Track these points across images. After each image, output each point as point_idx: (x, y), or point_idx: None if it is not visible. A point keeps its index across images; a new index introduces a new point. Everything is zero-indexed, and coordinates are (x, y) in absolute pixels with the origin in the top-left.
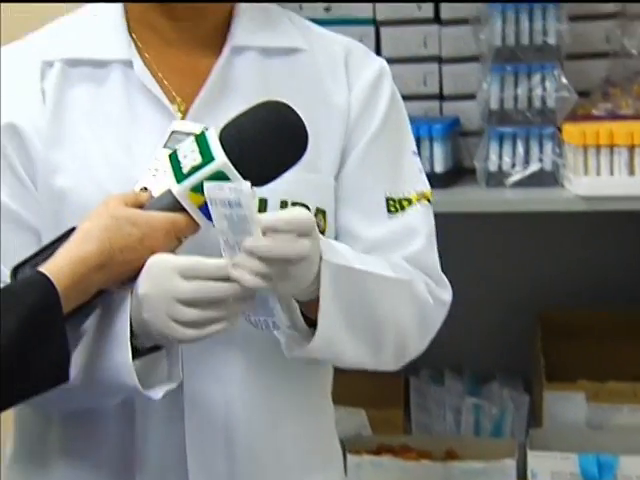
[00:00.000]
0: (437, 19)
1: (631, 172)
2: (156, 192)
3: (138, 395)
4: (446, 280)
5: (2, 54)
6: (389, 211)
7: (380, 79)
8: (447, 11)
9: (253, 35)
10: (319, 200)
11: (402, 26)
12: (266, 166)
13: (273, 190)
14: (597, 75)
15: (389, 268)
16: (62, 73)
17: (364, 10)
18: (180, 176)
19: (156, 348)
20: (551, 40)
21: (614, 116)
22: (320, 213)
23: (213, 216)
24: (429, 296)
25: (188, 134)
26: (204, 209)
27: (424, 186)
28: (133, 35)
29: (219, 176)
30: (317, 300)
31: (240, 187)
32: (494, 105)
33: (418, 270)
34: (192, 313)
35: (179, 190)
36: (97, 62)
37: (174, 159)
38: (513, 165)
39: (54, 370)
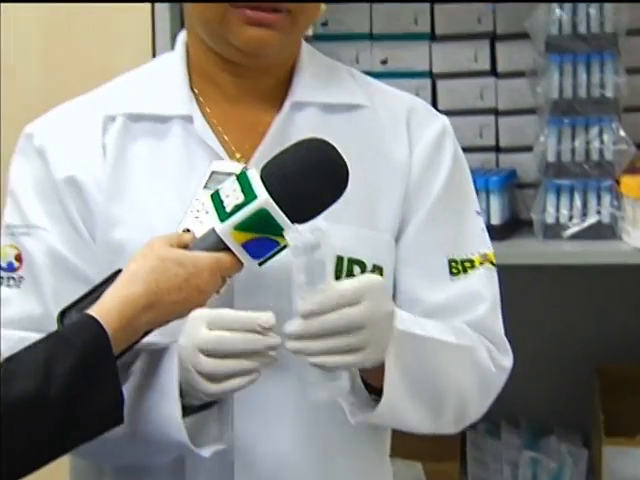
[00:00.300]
0: (494, 71)
1: None
2: (199, 233)
3: (187, 452)
4: (508, 346)
5: (69, 107)
6: (451, 273)
7: (442, 138)
8: (504, 63)
9: (314, 91)
10: (376, 257)
11: (458, 78)
12: (308, 203)
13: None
14: None
15: (451, 333)
16: (124, 127)
17: (420, 63)
18: (223, 215)
19: (207, 406)
20: (609, 93)
21: None
22: (377, 270)
23: (294, 265)
24: (491, 362)
25: (228, 174)
26: (248, 247)
27: (487, 248)
28: (195, 90)
29: (262, 214)
30: (378, 366)
31: (319, 228)
32: (551, 158)
33: (480, 335)
34: (210, 364)
35: (223, 229)
36: (158, 117)
37: (216, 199)
38: (570, 218)
39: (108, 413)
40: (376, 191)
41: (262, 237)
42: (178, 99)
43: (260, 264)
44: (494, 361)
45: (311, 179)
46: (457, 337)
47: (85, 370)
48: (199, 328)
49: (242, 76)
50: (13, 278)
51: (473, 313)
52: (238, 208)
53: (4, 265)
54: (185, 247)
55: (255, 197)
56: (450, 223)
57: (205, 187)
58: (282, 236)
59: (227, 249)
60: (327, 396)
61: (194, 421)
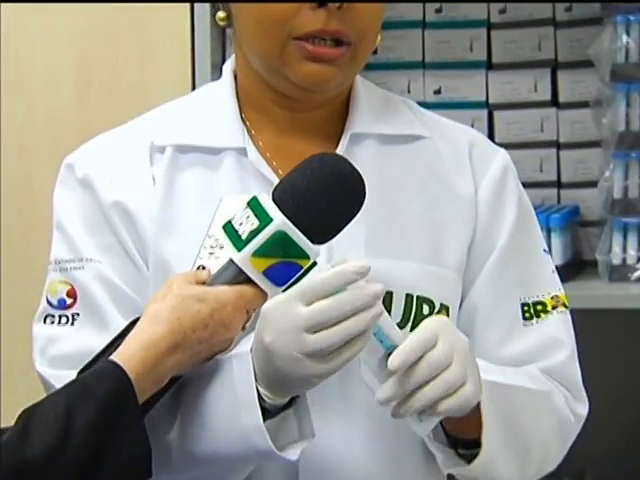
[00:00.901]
0: (555, 102)
1: None
2: (214, 269)
3: (272, 459)
4: (584, 393)
5: (111, 136)
6: (524, 318)
7: (506, 174)
8: (566, 93)
9: (372, 122)
10: (443, 295)
11: (517, 109)
12: (326, 220)
13: (400, 284)
14: None
15: (528, 378)
16: (172, 159)
17: (476, 92)
18: (239, 244)
19: (281, 409)
20: None
21: None
22: (444, 309)
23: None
24: (568, 409)
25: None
26: (269, 274)
27: (558, 289)
28: (246, 122)
29: (280, 236)
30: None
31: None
32: (617, 194)
33: (557, 382)
34: (320, 339)
35: (241, 258)
36: (210, 149)
37: (229, 229)
38: (638, 259)
39: (134, 466)
40: (442, 225)
41: (283, 261)
42: (229, 130)
43: (284, 291)
44: (570, 408)
45: (327, 195)
46: (534, 383)
47: (108, 420)
48: (294, 308)
49: (295, 109)
50: (65, 316)
51: (550, 360)
52: (254, 234)
53: (54, 302)
54: (203, 284)
55: (270, 220)
56: (520, 264)
57: (216, 223)
58: (303, 258)
59: (248, 280)
60: (419, 433)
61: (273, 426)
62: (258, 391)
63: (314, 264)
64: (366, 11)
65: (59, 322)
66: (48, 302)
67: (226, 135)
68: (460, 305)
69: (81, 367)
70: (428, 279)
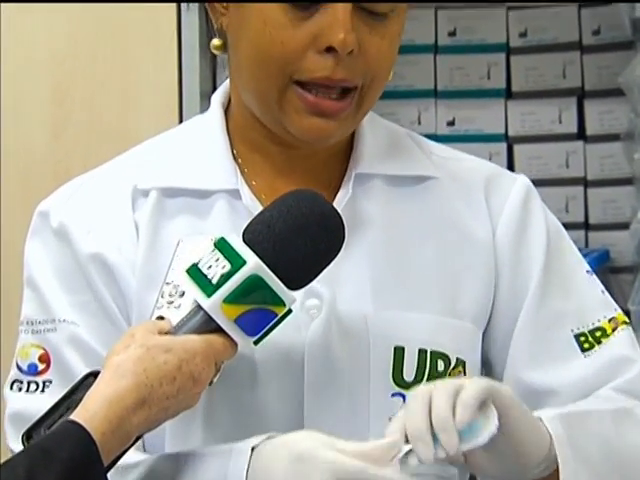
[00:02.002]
0: (582, 134)
1: None
2: (175, 318)
3: None
4: None
5: (90, 179)
6: (583, 349)
7: (528, 201)
8: (594, 125)
9: (378, 162)
10: (460, 349)
11: (539, 142)
12: (303, 264)
13: (411, 337)
14: None
15: (601, 402)
16: (158, 203)
17: (494, 124)
18: (209, 288)
19: None
20: None
21: None
22: (460, 365)
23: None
24: None
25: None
26: (241, 322)
27: (614, 310)
28: (238, 160)
29: (254, 281)
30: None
31: None
32: None
33: (632, 398)
34: None
35: (211, 304)
36: (199, 192)
37: (195, 273)
38: None
39: None
40: (456, 272)
41: (256, 308)
42: (221, 171)
43: (255, 342)
44: None
45: (305, 236)
46: (611, 403)
47: None
48: None
49: (293, 147)
50: (35, 383)
51: (623, 378)
52: (225, 278)
53: (24, 368)
54: (166, 334)
55: (243, 262)
56: (562, 294)
57: (172, 269)
58: (278, 305)
59: (217, 329)
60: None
61: None
62: None
63: (289, 312)
64: (377, 57)
65: (27, 389)
66: (18, 367)
67: (217, 176)
68: (488, 354)
69: (28, 427)
70: (443, 332)
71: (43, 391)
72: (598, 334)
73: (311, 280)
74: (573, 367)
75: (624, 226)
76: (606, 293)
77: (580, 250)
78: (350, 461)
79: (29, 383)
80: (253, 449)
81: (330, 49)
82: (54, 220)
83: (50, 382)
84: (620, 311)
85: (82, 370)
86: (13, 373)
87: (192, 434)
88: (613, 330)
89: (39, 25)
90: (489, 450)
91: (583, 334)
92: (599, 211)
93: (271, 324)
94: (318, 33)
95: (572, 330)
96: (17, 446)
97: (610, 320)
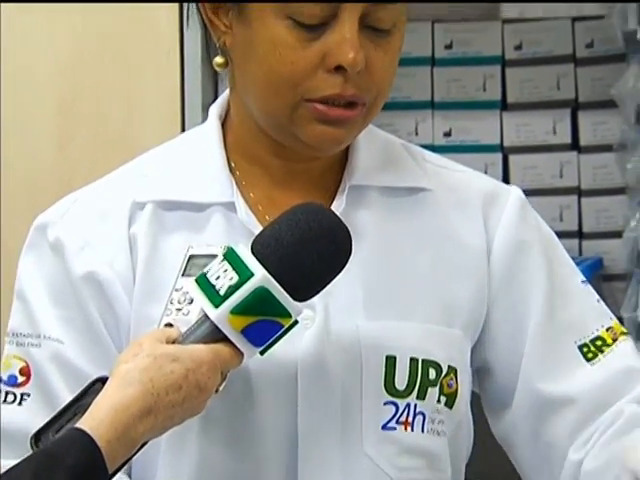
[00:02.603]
0: (575, 145)
1: None
2: (184, 326)
3: None
4: None
5: (88, 193)
6: (588, 359)
7: (523, 213)
8: (587, 136)
9: (372, 173)
10: (451, 357)
11: (534, 153)
12: (310, 277)
13: (402, 347)
14: None
15: None
16: (154, 216)
17: (489, 135)
18: (217, 299)
19: None
20: None
21: None
22: (452, 372)
23: None
24: None
25: (210, 256)
26: (247, 333)
27: (610, 319)
28: (236, 172)
29: (261, 293)
30: None
31: None
32: None
33: None
34: None
35: (218, 315)
36: (195, 205)
37: (204, 283)
38: None
39: None
40: (448, 282)
41: (263, 320)
42: (217, 184)
43: (262, 352)
44: None
45: (313, 249)
46: None
47: None
48: None
49: (292, 159)
50: (14, 394)
51: (637, 389)
52: (233, 290)
53: (4, 378)
54: (173, 342)
55: (251, 275)
56: (565, 305)
57: (184, 275)
58: (284, 316)
59: (223, 339)
60: None
61: None
62: None
63: (295, 322)
64: (382, 73)
65: (5, 400)
66: None
67: (212, 188)
68: (483, 363)
69: (36, 430)
70: (434, 340)
71: (20, 404)
72: (599, 343)
73: (318, 292)
74: (582, 376)
75: (617, 234)
76: (601, 302)
77: (574, 258)
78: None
79: (7, 393)
80: None
81: (339, 68)
82: (51, 234)
83: (28, 395)
84: (616, 320)
85: (62, 388)
86: None
87: (188, 444)
88: (614, 340)
89: (43, 37)
90: None
91: (585, 344)
92: (592, 220)
93: (277, 335)
94: (327, 53)
95: (575, 342)
96: None
97: (608, 329)
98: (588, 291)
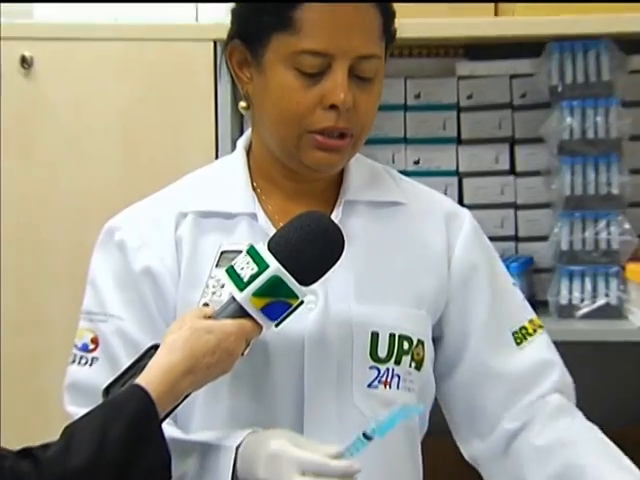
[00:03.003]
0: (513, 171)
1: None
2: (218, 305)
3: None
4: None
5: (145, 205)
6: (517, 344)
7: (475, 229)
8: (522, 164)
9: (362, 191)
10: (420, 332)
11: (482, 177)
12: (313, 266)
13: (384, 325)
14: None
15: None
16: (195, 223)
17: (448, 163)
18: (241, 285)
19: None
20: (614, 190)
21: None
22: (420, 344)
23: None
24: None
25: (236, 252)
26: (265, 311)
27: (531, 313)
28: (257, 189)
29: (275, 280)
30: None
31: None
32: (564, 246)
33: (567, 394)
34: None
35: (243, 297)
36: (226, 214)
37: (232, 273)
38: (582, 299)
39: (158, 471)
40: (417, 275)
41: (276, 300)
42: (243, 198)
43: (276, 325)
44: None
45: (314, 246)
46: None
47: (135, 434)
48: (292, 474)
49: (300, 181)
50: (86, 358)
51: (550, 379)
52: (254, 278)
53: (79, 345)
54: (209, 318)
55: (267, 266)
56: (502, 301)
57: (217, 266)
58: (293, 297)
59: (247, 315)
60: None
61: None
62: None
63: (301, 302)
64: (366, 110)
65: (79, 362)
66: (75, 344)
67: (239, 202)
68: (439, 337)
69: (110, 382)
70: (407, 320)
71: (91, 365)
72: (524, 332)
73: (319, 279)
74: (512, 358)
75: (544, 239)
76: (525, 300)
77: (511, 257)
78: (311, 455)
79: (80, 357)
80: (238, 448)
81: (333, 106)
82: (117, 236)
83: (96, 359)
84: (535, 315)
85: (122, 354)
86: (72, 351)
87: (220, 396)
88: (534, 330)
89: (112, 88)
90: None
91: (515, 332)
92: (525, 228)
93: (288, 312)
94: (324, 95)
95: (509, 329)
96: (72, 408)
97: (530, 321)
98: (517, 291)
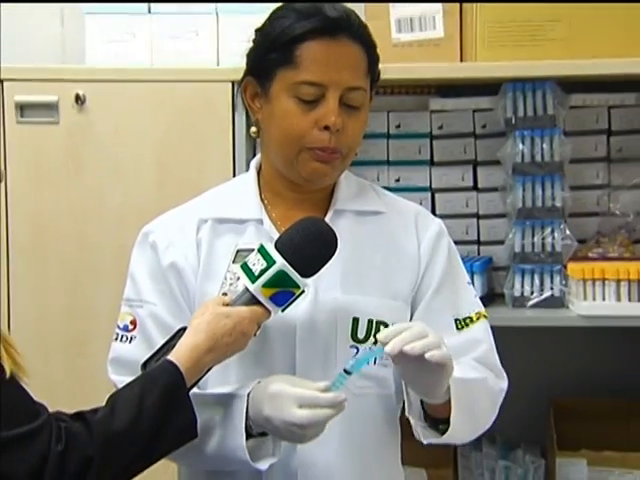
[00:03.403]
0: (476, 187)
1: (618, 299)
2: (234, 294)
3: (249, 466)
4: (504, 374)
5: (174, 213)
6: (458, 328)
7: (440, 235)
8: (483, 182)
9: (348, 202)
10: (395, 319)
11: (450, 192)
12: (312, 262)
13: (364, 312)
14: (591, 229)
15: (471, 368)
16: (212, 227)
17: (423, 181)
18: (253, 278)
19: (263, 432)
20: (558, 203)
21: (604, 258)
22: None
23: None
24: (496, 386)
25: (250, 250)
26: (273, 299)
27: (479, 307)
28: (264, 200)
29: (281, 273)
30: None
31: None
32: (517, 249)
33: (485, 367)
34: (307, 434)
35: (254, 288)
36: (238, 220)
37: (245, 267)
38: (532, 292)
39: (186, 432)
40: (394, 272)
41: (282, 290)
42: (252, 207)
43: (282, 310)
44: (496, 385)
45: (313, 245)
46: (477, 372)
47: (167, 401)
48: (291, 407)
49: (300, 192)
50: (126, 336)
51: (478, 351)
52: (263, 272)
53: (121, 326)
54: (227, 305)
55: (274, 262)
56: (451, 293)
57: (234, 262)
58: (296, 287)
59: (258, 303)
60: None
61: (253, 444)
62: (249, 426)
63: (303, 292)
64: (353, 133)
65: (121, 340)
66: (118, 325)
67: (249, 210)
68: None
69: (146, 358)
70: (384, 308)
71: (130, 342)
72: (467, 321)
73: (317, 272)
74: (450, 336)
75: (501, 242)
76: (477, 297)
77: (474, 257)
78: (305, 391)
79: (122, 336)
80: (248, 394)
81: (326, 127)
82: (150, 238)
83: (134, 338)
84: (484, 309)
85: (155, 334)
86: (115, 331)
87: (231, 366)
88: (477, 319)
89: (147, 121)
90: (422, 371)
91: (458, 319)
92: (486, 234)
93: (292, 299)
94: (319, 118)
95: (452, 315)
96: (115, 377)
97: (477, 313)
98: (470, 290)
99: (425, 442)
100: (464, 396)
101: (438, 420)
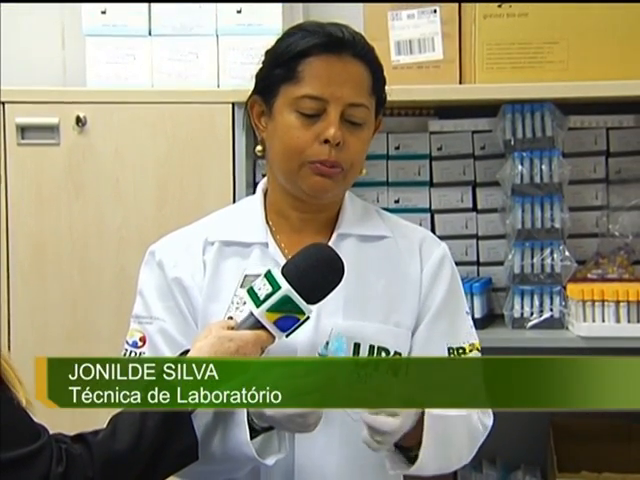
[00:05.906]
0: (475, 208)
1: (617, 320)
2: (240, 318)
3: (257, 463)
4: (490, 410)
5: (180, 234)
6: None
7: (444, 260)
8: (482, 203)
9: (353, 226)
10: (397, 345)
11: (450, 213)
12: (317, 289)
13: (365, 338)
14: (591, 250)
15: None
16: (218, 250)
17: (423, 202)
18: (258, 302)
19: (269, 428)
20: (557, 224)
21: (604, 279)
22: (397, 354)
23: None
24: (479, 424)
25: (257, 275)
26: (277, 324)
27: (474, 339)
28: (270, 223)
29: (286, 299)
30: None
31: None
32: (517, 270)
33: None
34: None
35: (259, 312)
36: (243, 243)
37: (251, 292)
38: (531, 313)
39: (187, 454)
40: (397, 298)
41: (287, 315)
42: (258, 231)
43: (287, 336)
44: (481, 422)
45: (318, 271)
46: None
47: (168, 423)
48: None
49: (305, 212)
50: (135, 353)
51: None
52: (268, 296)
53: (130, 342)
54: (231, 329)
55: (280, 287)
56: (449, 321)
57: (241, 286)
58: (301, 313)
59: (262, 327)
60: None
61: (260, 440)
62: (251, 420)
63: (308, 318)
64: (354, 150)
65: (130, 356)
66: (127, 342)
67: (254, 233)
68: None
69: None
70: (385, 335)
71: None
72: (460, 351)
73: (322, 299)
74: None
75: (500, 263)
76: (473, 329)
77: (474, 278)
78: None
79: (131, 352)
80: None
81: (327, 141)
82: (157, 256)
83: (144, 354)
84: (477, 341)
85: (164, 349)
86: (124, 347)
87: None
88: (470, 351)
89: (149, 142)
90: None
91: (452, 348)
92: (485, 254)
93: (297, 325)
94: (319, 132)
95: (447, 343)
96: None
97: (470, 345)
98: (467, 318)
99: (391, 472)
100: (440, 430)
101: (407, 448)
